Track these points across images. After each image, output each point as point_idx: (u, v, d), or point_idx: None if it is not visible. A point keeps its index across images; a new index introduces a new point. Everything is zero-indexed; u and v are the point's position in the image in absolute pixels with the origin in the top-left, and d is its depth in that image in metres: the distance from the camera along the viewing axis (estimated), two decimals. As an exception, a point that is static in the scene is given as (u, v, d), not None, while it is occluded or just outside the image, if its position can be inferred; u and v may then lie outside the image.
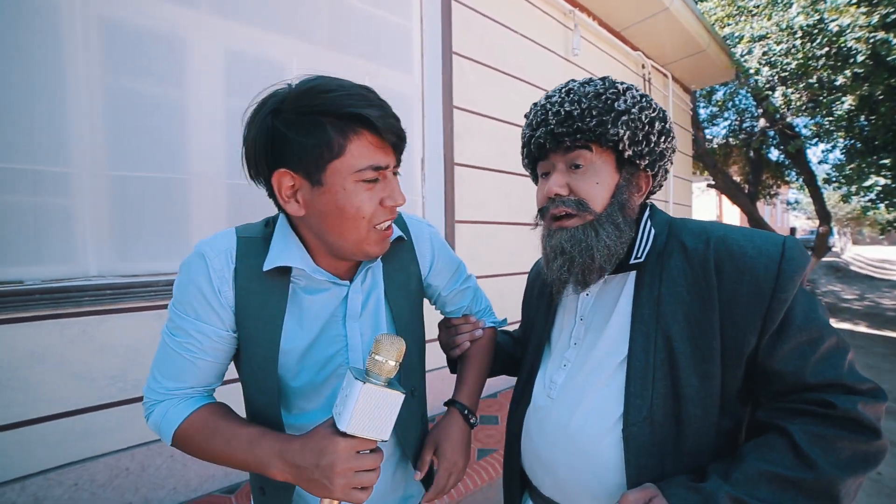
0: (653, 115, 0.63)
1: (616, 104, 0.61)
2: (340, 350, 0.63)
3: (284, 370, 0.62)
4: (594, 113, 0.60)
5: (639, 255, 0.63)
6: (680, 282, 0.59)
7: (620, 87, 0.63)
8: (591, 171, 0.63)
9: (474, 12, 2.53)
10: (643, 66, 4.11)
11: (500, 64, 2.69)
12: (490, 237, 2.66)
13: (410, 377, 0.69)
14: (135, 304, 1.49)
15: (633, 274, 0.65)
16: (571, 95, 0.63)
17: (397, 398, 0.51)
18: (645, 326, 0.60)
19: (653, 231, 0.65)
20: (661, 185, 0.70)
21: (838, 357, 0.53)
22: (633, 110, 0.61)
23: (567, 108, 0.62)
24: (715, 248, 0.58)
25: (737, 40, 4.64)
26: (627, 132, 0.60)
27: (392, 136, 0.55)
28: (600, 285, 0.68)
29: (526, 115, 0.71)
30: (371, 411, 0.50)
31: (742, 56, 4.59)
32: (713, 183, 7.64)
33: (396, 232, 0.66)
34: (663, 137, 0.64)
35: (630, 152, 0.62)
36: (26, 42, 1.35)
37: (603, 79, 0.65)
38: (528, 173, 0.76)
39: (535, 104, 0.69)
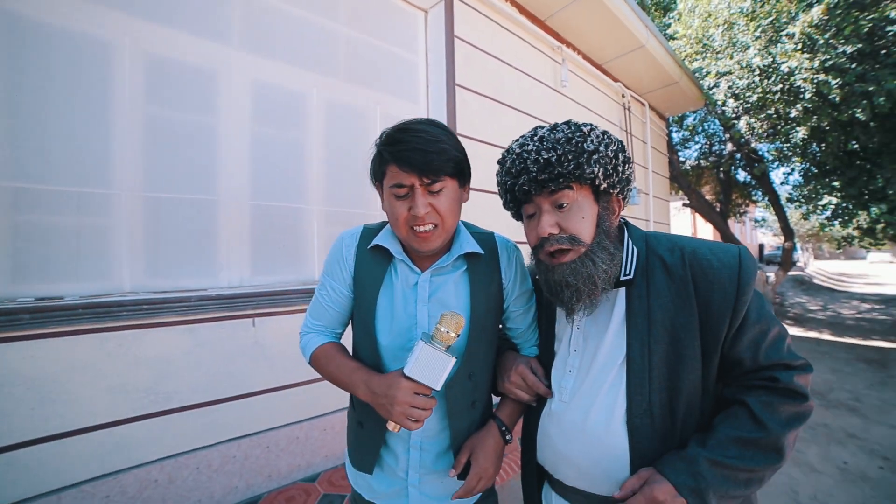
0: (615, 148, 0.71)
1: (585, 145, 0.69)
2: (412, 325, 0.80)
3: (380, 332, 0.82)
4: (570, 157, 0.68)
5: (628, 273, 0.73)
6: (665, 293, 0.70)
7: (585, 128, 0.71)
8: (575, 207, 0.71)
9: (474, 48, 2.76)
10: (623, 96, 4.46)
11: (498, 94, 2.92)
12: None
13: (470, 361, 0.81)
14: (168, 319, 1.56)
15: (622, 288, 0.74)
16: (545, 143, 0.71)
17: (447, 360, 0.68)
18: (639, 333, 0.70)
19: (635, 249, 0.75)
20: (627, 203, 0.80)
21: (780, 342, 0.68)
22: (601, 148, 0.69)
23: (545, 156, 0.70)
24: (690, 265, 0.70)
25: (704, 74, 5.10)
26: (601, 169, 0.69)
27: (406, 166, 0.71)
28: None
29: (500, 162, 0.80)
30: (427, 365, 0.68)
31: (710, 89, 5.04)
32: (688, 202, 8.12)
33: (468, 247, 0.83)
34: (626, 165, 0.73)
35: (605, 185, 0.71)
36: (78, 74, 1.46)
37: (567, 123, 0.73)
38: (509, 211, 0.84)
39: (508, 152, 0.77)
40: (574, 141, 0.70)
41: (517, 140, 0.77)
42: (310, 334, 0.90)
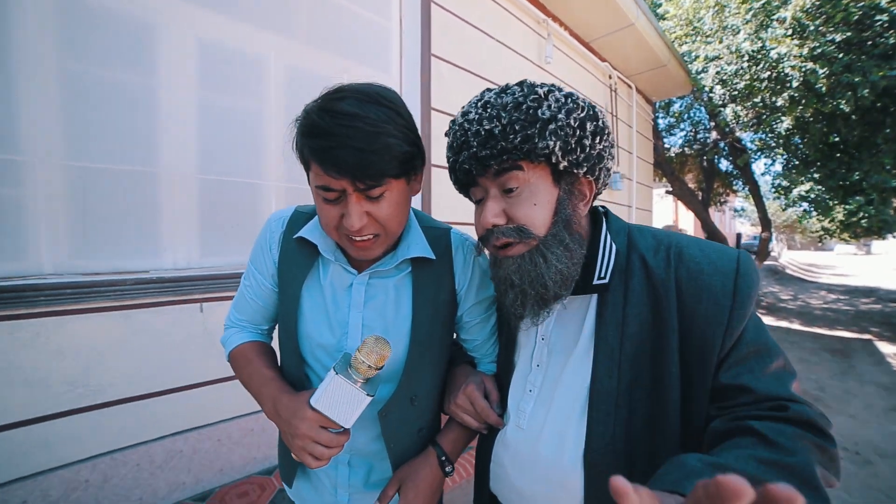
0: (582, 115, 0.55)
1: (539, 112, 0.53)
2: (342, 334, 0.67)
3: (304, 339, 0.70)
4: (517, 128, 0.53)
5: (603, 276, 0.57)
6: (644, 301, 0.55)
7: (541, 90, 0.55)
8: (525, 192, 0.56)
9: (453, 16, 2.57)
10: (610, 77, 4.32)
11: (477, 68, 2.75)
12: (466, 238, 2.70)
13: (412, 383, 0.69)
14: (98, 305, 1.40)
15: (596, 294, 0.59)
16: (489, 110, 0.55)
17: (361, 399, 0.56)
18: (609, 349, 0.56)
19: (614, 247, 0.59)
20: (605, 186, 0.62)
21: (787, 378, 0.51)
22: (560, 115, 0.53)
23: (487, 127, 0.54)
24: (675, 267, 0.55)
25: (693, 58, 4.99)
26: (558, 142, 0.53)
27: (333, 170, 0.52)
28: (560, 303, 0.61)
29: (446, 134, 0.64)
30: (338, 399, 0.56)
31: (698, 74, 4.95)
32: (671, 189, 8.14)
33: (416, 250, 0.68)
34: (598, 138, 0.56)
35: (565, 163, 0.55)
36: (-26, 19, 1.24)
37: (520, 83, 0.57)
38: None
39: (452, 122, 0.62)
40: (525, 107, 0.53)
41: (464, 106, 0.61)
42: (232, 329, 0.79)
